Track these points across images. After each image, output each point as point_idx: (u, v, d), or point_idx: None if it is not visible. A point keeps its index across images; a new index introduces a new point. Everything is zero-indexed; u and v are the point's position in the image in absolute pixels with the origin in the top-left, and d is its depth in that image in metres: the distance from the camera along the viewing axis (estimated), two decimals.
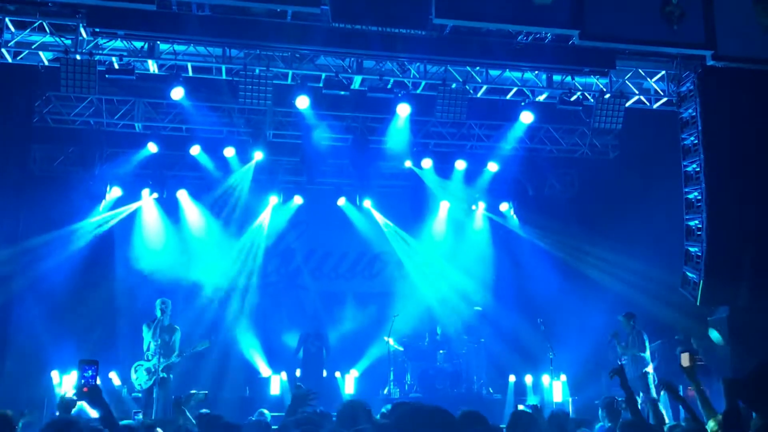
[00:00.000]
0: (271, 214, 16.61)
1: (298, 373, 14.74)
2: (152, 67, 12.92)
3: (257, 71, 12.43)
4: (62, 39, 11.99)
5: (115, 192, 15.69)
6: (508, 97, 14.37)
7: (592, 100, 13.53)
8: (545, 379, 14.46)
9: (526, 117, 14.09)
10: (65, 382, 12.65)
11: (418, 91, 13.77)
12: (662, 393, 12.15)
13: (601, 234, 15.70)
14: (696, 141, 13.09)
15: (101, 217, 15.48)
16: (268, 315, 16.34)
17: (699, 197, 13.02)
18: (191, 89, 13.17)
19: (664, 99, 13.80)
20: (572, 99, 13.43)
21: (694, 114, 13.09)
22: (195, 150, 15.07)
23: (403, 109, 13.64)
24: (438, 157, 16.23)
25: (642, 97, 13.93)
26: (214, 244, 16.29)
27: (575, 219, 16.47)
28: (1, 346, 12.40)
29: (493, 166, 16.25)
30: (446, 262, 17.09)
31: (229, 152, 15.13)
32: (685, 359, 6.33)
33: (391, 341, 15.13)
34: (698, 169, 13.02)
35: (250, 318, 15.99)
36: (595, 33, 12.41)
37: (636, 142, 15.10)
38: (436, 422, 3.12)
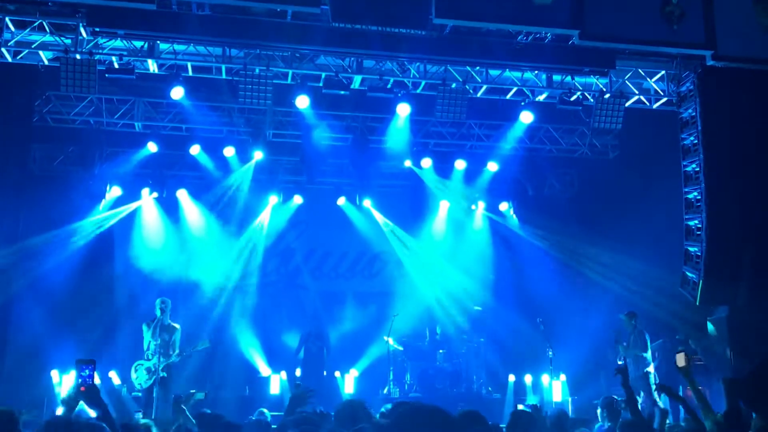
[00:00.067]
0: (271, 213, 16.61)
1: (298, 372, 14.74)
2: (152, 66, 12.92)
3: (257, 71, 12.44)
4: (62, 38, 12.00)
5: (114, 191, 15.68)
6: (508, 96, 14.37)
7: (591, 100, 13.53)
8: (545, 378, 14.46)
9: (526, 117, 14.09)
10: (65, 382, 12.66)
11: (418, 91, 13.78)
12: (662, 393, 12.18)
13: (601, 234, 15.70)
14: (696, 141, 13.10)
15: (101, 217, 15.47)
16: (267, 314, 16.33)
17: (699, 197, 13.03)
18: (191, 89, 13.18)
19: (664, 99, 13.80)
20: (572, 99, 13.43)
21: (694, 114, 13.09)
22: (195, 149, 15.08)
23: (403, 109, 13.65)
24: (438, 156, 16.23)
25: (642, 97, 13.93)
26: (213, 244, 16.29)
27: (575, 219, 16.47)
28: (1, 345, 12.42)
29: (492, 166, 16.26)
30: (446, 262, 17.08)
31: (229, 152, 15.13)
32: (680, 359, 6.35)
33: (391, 341, 15.13)
34: (698, 169, 13.03)
35: (249, 317, 15.99)
36: (595, 33, 12.41)
37: (636, 142, 15.10)
38: (435, 422, 3.12)
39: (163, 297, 12.17)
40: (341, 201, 16.85)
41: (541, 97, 14.28)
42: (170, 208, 16.18)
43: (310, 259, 17.46)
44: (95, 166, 15.37)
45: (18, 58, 12.32)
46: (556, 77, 13.65)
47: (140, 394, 12.08)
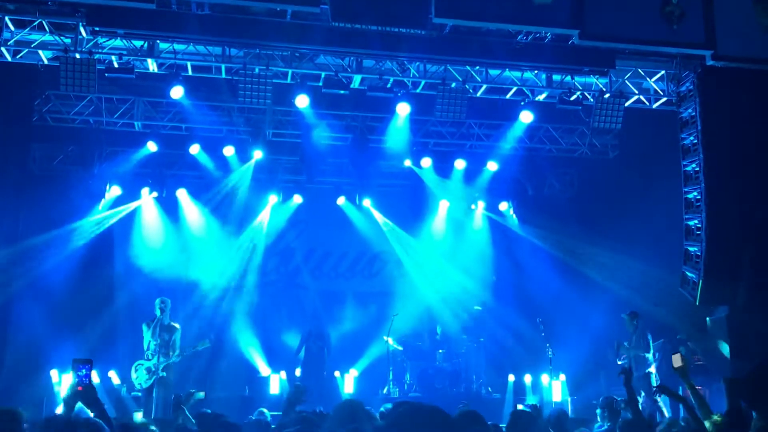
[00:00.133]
0: (271, 213, 16.60)
1: (297, 372, 14.74)
2: (152, 66, 12.92)
3: (257, 70, 12.44)
4: (62, 38, 11.99)
5: (114, 191, 15.68)
6: (508, 96, 14.37)
7: (591, 100, 13.53)
8: (544, 378, 14.45)
9: (526, 116, 14.10)
10: (64, 381, 12.65)
11: (418, 91, 13.78)
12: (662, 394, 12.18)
13: (601, 234, 15.69)
14: (695, 141, 13.10)
15: (101, 216, 15.47)
16: (267, 314, 16.33)
17: (698, 197, 13.03)
18: (191, 88, 13.18)
19: (664, 99, 13.80)
20: (572, 99, 13.43)
21: (694, 114, 13.09)
22: (194, 149, 15.08)
23: (403, 109, 13.65)
24: (437, 156, 16.23)
25: (641, 97, 13.93)
26: (213, 243, 16.29)
27: (575, 218, 16.47)
28: (1, 344, 12.40)
29: (492, 166, 16.26)
30: (446, 262, 17.08)
31: (229, 151, 15.13)
32: (676, 360, 6.35)
33: (391, 341, 15.13)
34: (698, 169, 13.03)
35: (249, 317, 15.99)
36: (595, 33, 12.41)
37: (635, 142, 15.10)
38: (434, 422, 3.12)
39: (162, 297, 12.17)
40: (341, 200, 16.84)
41: (541, 97, 14.28)
42: (170, 208, 16.18)
43: (309, 259, 17.46)
44: (95, 166, 15.37)
45: (18, 57, 12.32)
46: (556, 77, 13.65)
47: (140, 393, 12.08)
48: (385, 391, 14.90)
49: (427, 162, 16.05)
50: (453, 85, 13.02)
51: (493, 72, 13.45)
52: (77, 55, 11.88)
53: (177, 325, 12.12)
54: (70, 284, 14.34)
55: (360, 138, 15.53)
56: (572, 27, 12.34)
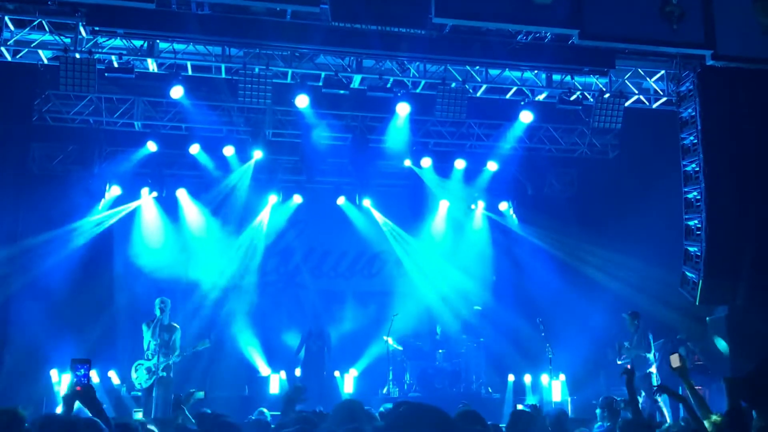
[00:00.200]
0: (271, 212, 16.59)
1: (297, 372, 14.74)
2: (152, 65, 12.92)
3: (257, 70, 12.44)
4: (62, 37, 12.00)
5: (114, 191, 15.67)
6: (508, 96, 14.37)
7: (591, 100, 13.54)
8: (544, 378, 14.44)
9: (526, 116, 14.10)
10: (64, 381, 12.65)
11: (418, 91, 13.78)
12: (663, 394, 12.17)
13: (601, 233, 15.70)
14: (695, 140, 13.10)
15: (100, 216, 15.45)
16: (267, 314, 16.32)
17: (698, 197, 13.03)
18: (191, 88, 13.19)
19: (664, 98, 13.80)
20: (572, 98, 13.43)
21: (694, 114, 13.09)
22: (194, 149, 15.08)
23: (403, 108, 13.66)
24: (437, 156, 16.23)
25: (641, 97, 13.93)
26: (213, 243, 16.27)
27: (574, 218, 16.47)
28: (1, 344, 12.40)
29: (492, 166, 16.26)
30: (445, 262, 17.07)
31: (229, 151, 15.13)
32: (674, 360, 6.35)
33: (390, 340, 15.12)
34: (697, 169, 13.03)
35: (249, 317, 15.97)
36: (595, 32, 12.41)
37: (635, 142, 15.10)
38: (433, 422, 3.11)
39: (162, 297, 12.15)
40: (341, 200, 16.84)
41: (541, 97, 14.28)
42: (170, 208, 16.17)
43: (309, 259, 17.44)
44: (95, 166, 15.38)
45: (17, 57, 12.33)
46: (556, 77, 13.66)
47: (140, 393, 12.08)
48: (384, 390, 14.90)
49: (427, 162, 16.05)
50: (453, 85, 13.02)
51: (493, 72, 13.45)
52: (77, 55, 11.88)
53: (177, 325, 12.11)
54: (69, 284, 14.34)
55: (360, 138, 15.53)
56: (572, 27, 12.34)
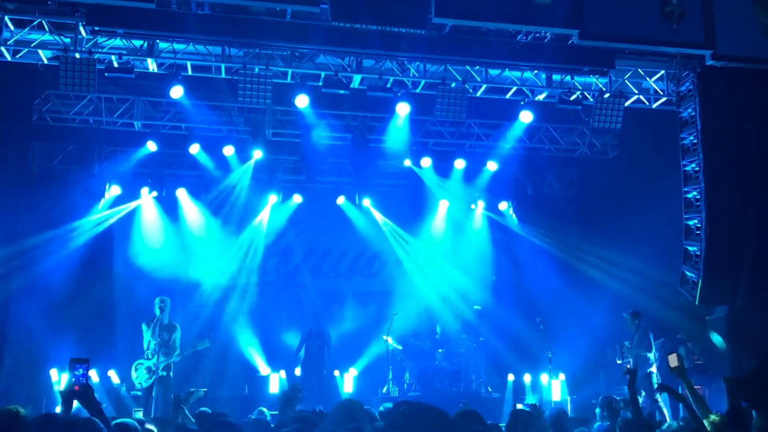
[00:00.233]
0: (271, 212, 16.59)
1: (297, 371, 14.74)
2: (151, 65, 12.92)
3: (257, 70, 12.44)
4: (61, 37, 12.00)
5: (114, 190, 15.66)
6: (508, 96, 14.37)
7: (591, 100, 13.54)
8: (544, 378, 14.45)
9: (526, 116, 14.11)
10: (64, 380, 12.65)
11: (418, 90, 13.78)
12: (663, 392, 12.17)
13: (600, 233, 15.70)
14: (695, 140, 13.10)
15: (100, 216, 15.45)
16: (267, 314, 16.33)
17: (698, 197, 13.03)
18: (191, 88, 13.19)
19: (664, 98, 13.80)
20: (572, 98, 13.43)
21: (694, 113, 13.09)
22: (194, 149, 15.08)
23: (403, 108, 13.66)
24: (437, 156, 16.24)
25: (641, 97, 13.93)
26: (213, 243, 16.28)
27: (574, 218, 16.48)
28: (0, 344, 12.40)
29: (492, 165, 16.27)
30: (445, 261, 17.08)
31: (229, 151, 15.14)
32: (672, 360, 6.35)
33: (390, 340, 15.12)
34: (697, 169, 13.03)
35: (249, 316, 15.98)
36: (595, 32, 12.41)
37: (635, 142, 15.10)
38: (433, 422, 3.11)
39: (162, 296, 12.17)
40: (341, 200, 16.84)
41: (541, 97, 14.28)
42: (169, 207, 16.18)
43: (309, 258, 17.44)
44: (94, 165, 15.38)
45: (17, 57, 12.33)
46: (556, 77, 13.66)
47: (140, 393, 12.09)
48: (384, 390, 14.90)
49: (426, 162, 16.06)
50: (453, 84, 13.02)
51: (493, 72, 13.45)
52: (77, 55, 11.88)
53: (177, 325, 12.13)
54: (69, 284, 14.34)
55: (360, 138, 15.54)
56: (572, 27, 12.34)
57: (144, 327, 11.98)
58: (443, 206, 17.21)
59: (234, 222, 16.33)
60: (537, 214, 16.77)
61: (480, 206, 17.47)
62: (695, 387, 6.40)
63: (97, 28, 11.85)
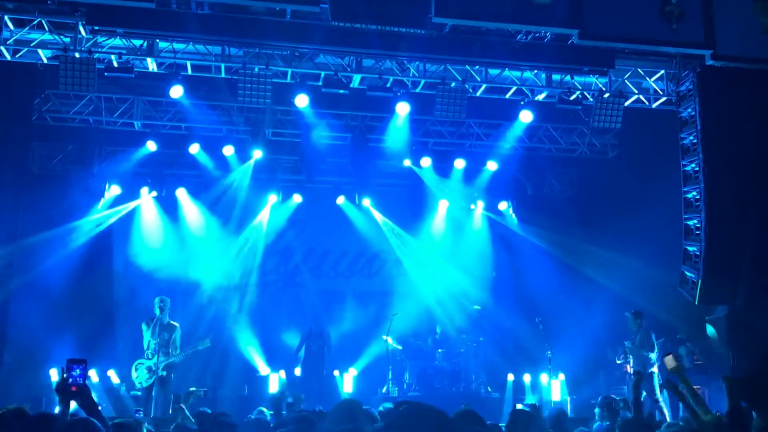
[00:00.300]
0: (270, 212, 16.59)
1: (297, 371, 14.74)
2: (151, 65, 12.92)
3: (256, 70, 12.44)
4: (61, 37, 12.00)
5: (114, 190, 15.66)
6: (508, 96, 14.38)
7: (591, 100, 13.54)
8: (544, 378, 14.45)
9: (526, 116, 14.11)
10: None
11: (418, 90, 13.78)
12: (663, 392, 12.19)
13: (600, 233, 15.70)
14: (695, 140, 13.10)
15: (100, 216, 15.45)
16: (266, 313, 16.32)
17: (698, 197, 13.03)
18: (190, 87, 13.19)
19: (663, 98, 13.80)
20: (571, 98, 13.44)
21: (693, 113, 13.09)
22: (194, 148, 15.08)
23: (403, 108, 13.66)
24: (437, 155, 16.24)
25: (641, 97, 13.93)
26: (213, 243, 16.27)
27: (574, 218, 16.47)
28: (0, 344, 12.40)
29: (492, 165, 16.27)
30: (445, 261, 17.07)
31: (229, 151, 15.14)
32: (669, 362, 6.35)
33: (390, 340, 15.12)
34: (697, 169, 13.03)
35: (248, 316, 15.98)
36: (595, 32, 12.41)
37: (635, 142, 15.10)
38: (433, 422, 3.11)
39: (162, 296, 12.18)
40: (340, 200, 16.84)
41: (541, 97, 14.28)
42: (169, 207, 16.18)
43: (309, 258, 17.44)
44: (94, 165, 15.38)
45: (17, 56, 12.33)
46: (556, 76, 13.66)
47: (139, 392, 12.09)
48: (384, 390, 14.89)
49: (426, 161, 16.06)
50: (453, 84, 13.03)
51: (493, 71, 13.45)
52: (77, 55, 11.88)
53: (176, 324, 12.13)
54: (69, 283, 14.35)
55: (359, 137, 15.53)
56: (572, 26, 12.34)
57: (144, 327, 11.99)
58: (443, 206, 17.21)
59: (234, 222, 16.33)
60: (537, 214, 16.77)
61: (480, 206, 17.46)
62: (695, 387, 6.41)
63: (96, 28, 11.86)
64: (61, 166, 15.33)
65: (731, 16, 12.64)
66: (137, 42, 12.34)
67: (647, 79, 13.74)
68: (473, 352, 15.66)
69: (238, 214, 16.25)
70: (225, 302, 15.90)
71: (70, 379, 4.44)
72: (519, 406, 12.14)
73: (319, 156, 15.62)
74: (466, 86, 13.18)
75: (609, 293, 14.87)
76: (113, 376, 13.68)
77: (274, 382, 14.49)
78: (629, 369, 13.35)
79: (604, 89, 13.47)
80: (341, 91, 12.97)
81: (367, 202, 16.75)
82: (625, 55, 13.14)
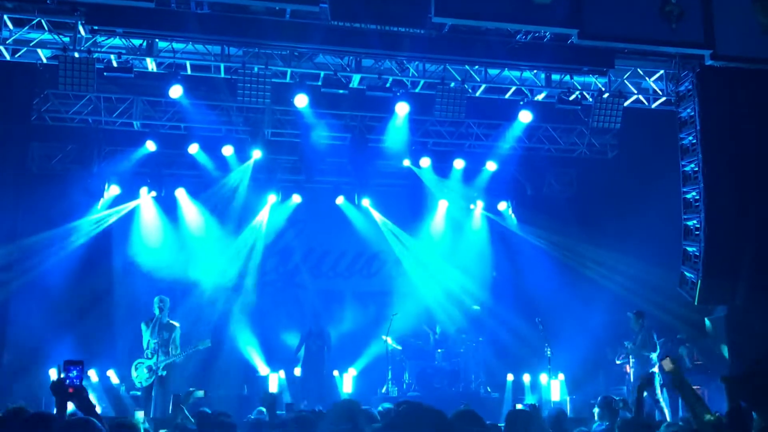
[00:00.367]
0: (270, 212, 16.58)
1: (297, 371, 14.73)
2: (151, 65, 12.92)
3: (256, 69, 12.43)
4: (61, 37, 11.99)
5: (113, 190, 15.65)
6: (507, 96, 14.38)
7: (590, 100, 13.54)
8: (543, 378, 14.45)
9: (525, 116, 14.10)
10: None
11: (417, 90, 13.78)
12: (664, 391, 12.19)
13: (600, 233, 15.71)
14: (694, 141, 13.10)
15: (99, 215, 15.44)
16: (266, 313, 16.31)
17: (697, 197, 13.03)
18: (190, 87, 13.18)
19: (663, 98, 13.80)
20: (571, 98, 13.43)
21: (693, 113, 13.09)
22: (193, 148, 15.07)
23: (402, 108, 13.65)
24: (436, 156, 16.24)
25: (641, 97, 13.93)
26: (212, 243, 16.26)
27: (574, 218, 16.48)
28: (0, 343, 12.41)
29: (491, 165, 16.26)
30: (444, 261, 17.06)
31: (228, 151, 15.13)
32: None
33: (389, 340, 15.11)
34: (696, 169, 13.03)
35: (248, 316, 15.96)
36: (594, 32, 12.40)
37: (634, 142, 15.10)
38: (432, 422, 3.12)
39: (161, 296, 12.17)
40: (340, 200, 16.83)
41: (540, 97, 14.28)
42: (169, 207, 16.17)
43: (308, 258, 17.43)
44: (94, 165, 15.38)
45: (16, 56, 12.33)
46: (555, 76, 13.66)
47: (139, 393, 12.08)
48: (383, 390, 14.89)
49: (426, 161, 16.06)
50: (452, 84, 13.02)
51: (492, 71, 13.45)
52: (76, 54, 11.87)
53: (176, 324, 12.12)
54: (68, 283, 14.36)
55: (359, 137, 15.52)
56: (571, 26, 12.33)
57: (143, 326, 11.98)
58: (442, 206, 17.21)
59: (233, 222, 16.33)
60: (536, 214, 16.77)
61: (479, 206, 17.46)
62: (695, 387, 6.42)
63: (96, 28, 11.85)
64: (61, 166, 15.33)
65: (731, 15, 12.64)
66: (136, 42, 12.34)
67: (647, 79, 13.74)
68: (473, 352, 15.65)
69: (237, 214, 16.25)
70: (224, 302, 15.89)
71: (67, 381, 4.43)
72: (519, 406, 12.13)
73: (319, 156, 15.62)
74: (466, 86, 13.18)
75: (608, 293, 14.89)
76: (113, 376, 13.68)
77: (274, 382, 14.48)
78: (629, 369, 13.37)
79: (603, 89, 13.47)
80: (341, 91, 12.96)
81: (366, 202, 16.75)
82: (624, 55, 13.14)
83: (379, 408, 7.44)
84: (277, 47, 12.62)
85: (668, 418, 11.34)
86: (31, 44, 12.15)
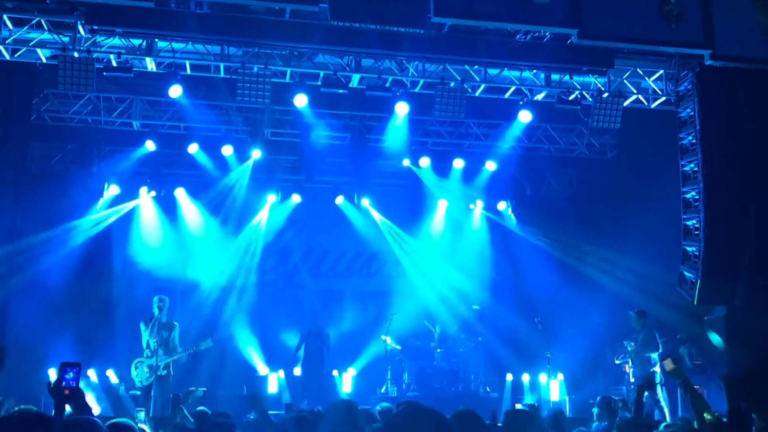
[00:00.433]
0: (269, 212, 16.57)
1: (297, 371, 14.73)
2: (150, 64, 12.91)
3: (255, 69, 12.43)
4: (60, 36, 11.98)
5: (113, 190, 15.64)
6: (507, 96, 14.37)
7: (590, 99, 13.54)
8: (542, 377, 14.45)
9: (525, 116, 14.10)
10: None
11: (417, 90, 13.77)
12: (664, 390, 12.20)
13: (599, 233, 15.70)
14: (694, 140, 13.10)
15: (99, 215, 15.44)
16: (265, 313, 16.32)
17: (697, 197, 13.03)
18: (189, 87, 13.18)
19: (663, 98, 13.80)
20: (570, 98, 13.43)
21: (692, 113, 13.09)
22: (193, 148, 15.07)
23: (402, 108, 13.64)
24: (436, 155, 16.23)
25: (640, 97, 13.93)
26: (211, 242, 16.27)
27: (573, 218, 16.47)
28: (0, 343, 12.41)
29: (491, 165, 16.25)
30: (444, 261, 17.06)
31: (227, 150, 15.13)
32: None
33: (389, 340, 15.11)
34: (696, 169, 13.03)
35: (247, 316, 15.97)
36: (594, 32, 12.40)
37: (634, 142, 15.11)
38: (431, 422, 3.12)
39: (160, 295, 12.16)
40: (339, 200, 16.83)
41: (540, 96, 14.27)
42: (168, 207, 16.17)
43: (308, 258, 17.43)
44: (93, 165, 15.38)
45: (16, 56, 12.32)
46: (555, 76, 13.65)
47: (138, 392, 12.08)
48: (383, 390, 14.89)
49: (425, 161, 16.06)
50: (452, 84, 13.02)
51: (492, 71, 13.45)
52: (75, 54, 11.87)
53: (176, 323, 12.11)
54: (68, 283, 14.34)
55: (358, 137, 15.52)
56: (571, 26, 12.33)
57: (142, 326, 11.98)
58: (442, 206, 17.21)
59: (233, 221, 16.33)
60: (536, 214, 16.77)
61: (479, 206, 17.45)
62: (695, 387, 6.42)
63: (95, 27, 11.84)
64: (60, 165, 15.32)
65: (730, 15, 12.64)
66: (136, 41, 12.33)
67: (646, 79, 13.74)
68: (472, 352, 15.65)
69: (236, 213, 16.25)
70: (224, 302, 15.88)
71: (64, 382, 4.42)
72: (518, 406, 12.14)
73: (318, 156, 15.62)
74: (465, 86, 13.17)
75: (608, 293, 14.88)
76: (112, 375, 13.67)
77: (273, 382, 14.49)
78: (628, 369, 13.37)
79: (603, 89, 13.47)
80: (340, 91, 12.96)
81: (365, 201, 16.75)
82: (624, 54, 13.14)
83: (377, 407, 7.45)
84: (277, 47, 12.62)
85: (668, 418, 11.35)
86: (30, 44, 12.15)
